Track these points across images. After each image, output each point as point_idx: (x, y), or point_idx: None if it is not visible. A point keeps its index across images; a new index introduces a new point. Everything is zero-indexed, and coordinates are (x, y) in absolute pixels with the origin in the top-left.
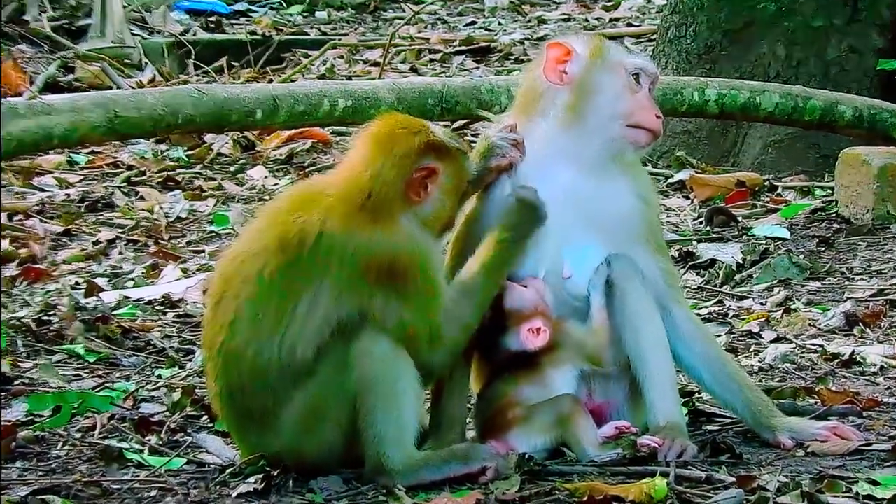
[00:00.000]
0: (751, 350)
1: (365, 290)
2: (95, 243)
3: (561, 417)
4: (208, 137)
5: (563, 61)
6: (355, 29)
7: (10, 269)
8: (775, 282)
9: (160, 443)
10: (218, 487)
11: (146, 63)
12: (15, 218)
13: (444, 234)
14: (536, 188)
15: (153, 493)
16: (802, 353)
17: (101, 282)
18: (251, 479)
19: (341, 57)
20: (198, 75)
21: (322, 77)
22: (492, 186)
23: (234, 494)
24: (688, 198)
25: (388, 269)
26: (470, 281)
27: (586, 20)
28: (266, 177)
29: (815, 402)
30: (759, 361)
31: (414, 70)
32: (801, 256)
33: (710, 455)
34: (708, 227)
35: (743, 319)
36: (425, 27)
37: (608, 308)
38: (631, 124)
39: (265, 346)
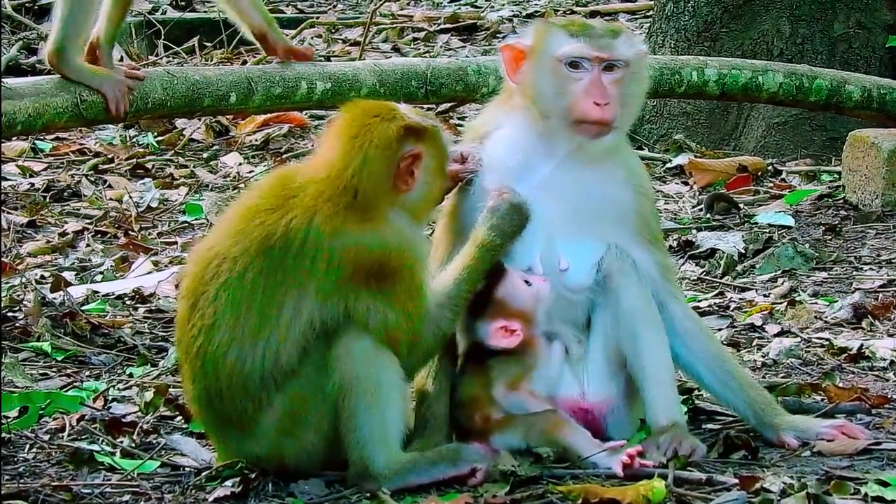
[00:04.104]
0: (753, 344)
1: (352, 292)
2: (62, 235)
3: (546, 432)
4: (179, 122)
5: (519, 60)
6: (334, 6)
7: None
8: (779, 272)
9: (133, 445)
10: (193, 491)
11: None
12: None
13: (433, 215)
14: (519, 182)
15: (126, 497)
16: (808, 347)
17: (68, 276)
18: (228, 483)
19: (319, 36)
20: (168, 57)
21: None
22: (469, 183)
23: (210, 499)
24: (687, 184)
25: (377, 271)
26: (453, 287)
27: None
28: (241, 164)
29: (822, 400)
30: (763, 356)
31: (396, 50)
32: (807, 245)
33: (722, 453)
34: (708, 215)
35: (745, 312)
36: (408, 4)
37: (602, 301)
38: (574, 120)
39: (247, 353)
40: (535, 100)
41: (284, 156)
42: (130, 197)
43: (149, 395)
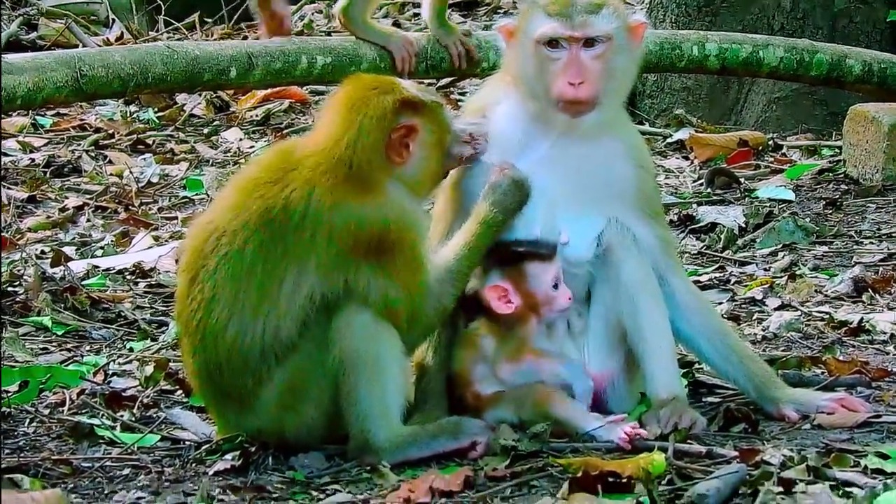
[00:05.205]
0: (754, 318)
1: (352, 265)
2: (62, 210)
3: (537, 404)
4: (180, 98)
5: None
6: None
7: None
8: (780, 246)
9: (133, 419)
10: (194, 465)
11: (113, 19)
12: None
13: (434, 191)
14: (519, 157)
15: (126, 471)
16: (808, 320)
17: (68, 250)
18: (228, 457)
19: (320, 11)
20: (168, 32)
21: (300, 33)
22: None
23: (210, 472)
24: (687, 158)
25: (377, 243)
26: (454, 263)
27: None
28: (241, 139)
29: (822, 373)
30: (763, 330)
31: (397, 25)
32: (807, 219)
33: (723, 426)
34: (709, 190)
35: (746, 286)
36: None
37: (602, 275)
38: (554, 100)
39: (247, 327)
40: (520, 80)
41: (285, 131)
42: (131, 172)
43: (149, 369)
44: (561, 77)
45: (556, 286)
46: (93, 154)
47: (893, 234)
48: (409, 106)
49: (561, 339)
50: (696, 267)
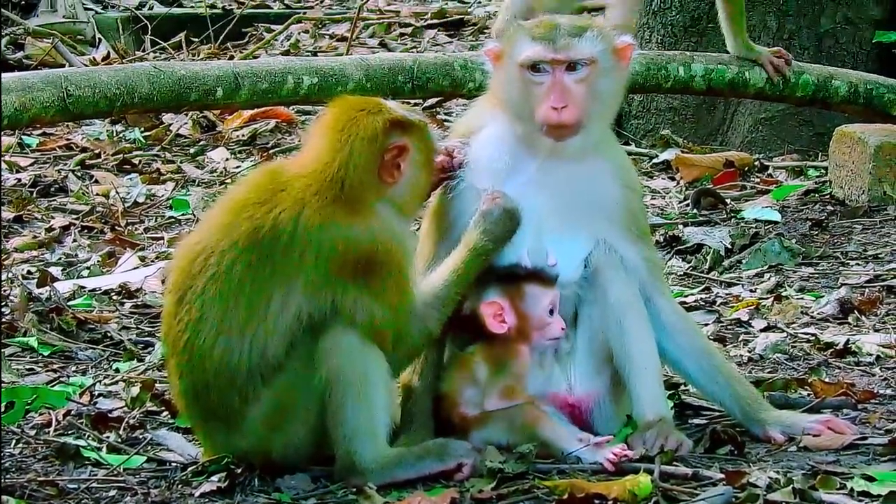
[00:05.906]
0: (740, 339)
1: (339, 286)
2: (48, 230)
3: (524, 426)
4: (166, 118)
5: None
6: (321, 1)
7: None
8: (766, 267)
9: (119, 440)
10: (180, 486)
11: (100, 39)
12: None
13: (420, 210)
14: (506, 180)
15: (112, 492)
16: (794, 342)
17: (54, 271)
18: (214, 478)
19: (306, 31)
20: (155, 52)
21: (286, 53)
22: (455, 180)
23: (196, 494)
24: (673, 179)
25: (364, 264)
26: (442, 289)
27: None
28: (228, 159)
29: (808, 395)
30: (749, 351)
31: (383, 45)
32: (793, 240)
33: (709, 448)
34: (695, 210)
35: (732, 307)
36: None
37: (589, 296)
38: (538, 124)
39: (234, 346)
40: (506, 104)
41: (271, 151)
42: (117, 192)
43: (135, 390)
44: (544, 101)
45: (551, 312)
46: (79, 174)
47: (879, 256)
48: (398, 126)
49: (550, 363)
50: (682, 288)
